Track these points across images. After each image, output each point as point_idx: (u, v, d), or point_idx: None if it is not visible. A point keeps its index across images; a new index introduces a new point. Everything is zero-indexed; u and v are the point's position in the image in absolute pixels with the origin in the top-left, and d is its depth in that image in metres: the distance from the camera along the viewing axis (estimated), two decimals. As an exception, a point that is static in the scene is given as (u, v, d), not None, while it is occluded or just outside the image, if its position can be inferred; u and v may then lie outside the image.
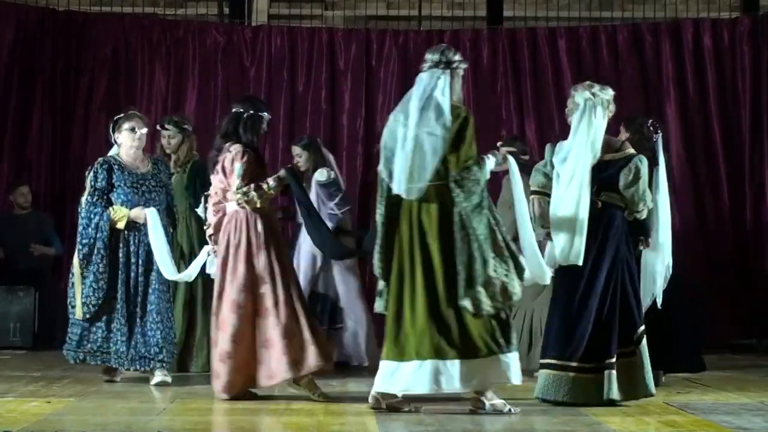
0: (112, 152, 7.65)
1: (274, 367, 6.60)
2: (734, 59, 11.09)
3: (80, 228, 7.47)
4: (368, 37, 11.32)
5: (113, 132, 7.60)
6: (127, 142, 7.57)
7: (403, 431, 5.55)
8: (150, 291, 7.45)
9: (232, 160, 6.79)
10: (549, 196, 6.56)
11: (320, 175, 8.74)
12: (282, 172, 6.92)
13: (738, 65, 11.07)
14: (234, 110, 6.97)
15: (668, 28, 11.26)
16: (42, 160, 10.97)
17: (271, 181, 6.82)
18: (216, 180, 6.94)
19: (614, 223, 6.55)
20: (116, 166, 7.52)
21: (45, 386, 7.25)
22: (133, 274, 7.44)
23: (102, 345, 7.40)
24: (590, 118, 6.49)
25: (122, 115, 7.65)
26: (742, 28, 11.17)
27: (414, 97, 6.18)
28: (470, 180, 6.06)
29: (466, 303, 6.00)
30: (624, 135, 7.91)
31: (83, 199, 7.55)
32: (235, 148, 6.82)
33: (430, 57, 6.22)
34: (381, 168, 6.24)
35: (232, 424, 5.76)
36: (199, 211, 7.89)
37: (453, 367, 6.00)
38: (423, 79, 6.20)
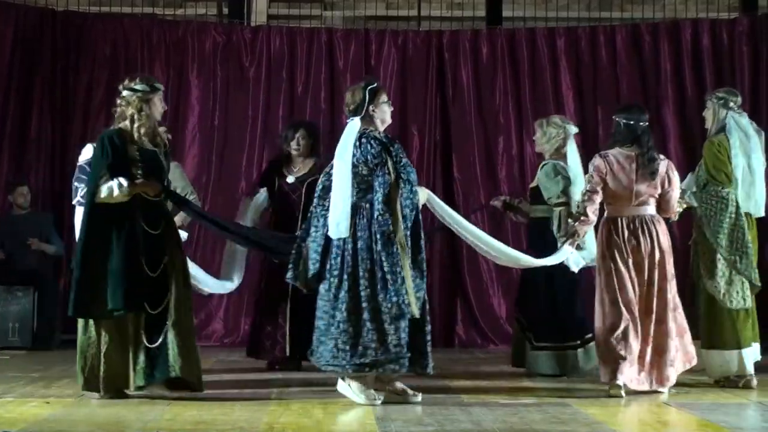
0: (360, 126, 6.48)
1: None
2: (733, 59, 11.11)
3: (409, 206, 6.31)
4: (367, 37, 11.34)
5: (368, 103, 6.50)
6: (386, 117, 6.60)
7: (401, 431, 5.56)
8: None
9: (672, 169, 7.13)
10: None
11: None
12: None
13: (737, 65, 11.09)
14: (637, 122, 7.07)
15: (667, 28, 11.27)
16: (41, 161, 10.98)
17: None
18: (644, 184, 7.01)
19: None
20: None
21: (44, 386, 7.23)
22: None
23: (402, 348, 6.38)
24: None
25: (375, 83, 6.60)
26: (740, 28, 11.19)
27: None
28: None
29: None
30: None
31: (385, 178, 6.35)
32: (667, 159, 7.19)
33: None
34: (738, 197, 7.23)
35: (232, 423, 5.76)
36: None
37: None
38: None
